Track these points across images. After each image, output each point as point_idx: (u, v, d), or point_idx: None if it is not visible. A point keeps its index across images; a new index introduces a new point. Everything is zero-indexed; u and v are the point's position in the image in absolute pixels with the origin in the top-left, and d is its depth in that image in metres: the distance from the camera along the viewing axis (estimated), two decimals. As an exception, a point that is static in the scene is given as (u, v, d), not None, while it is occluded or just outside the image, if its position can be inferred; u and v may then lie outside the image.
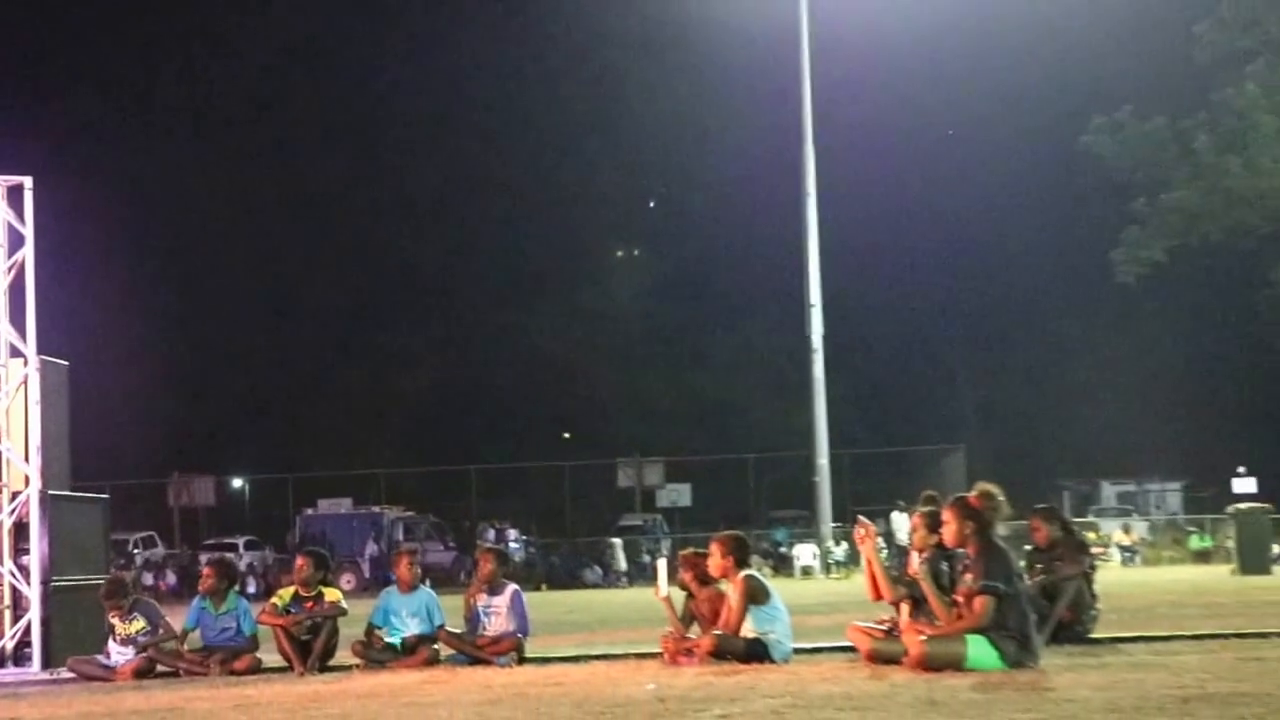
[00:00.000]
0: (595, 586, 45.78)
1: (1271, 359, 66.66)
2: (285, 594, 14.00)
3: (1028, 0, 63.17)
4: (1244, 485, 48.68)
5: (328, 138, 75.39)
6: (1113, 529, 54.17)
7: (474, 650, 13.20)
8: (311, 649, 13.43)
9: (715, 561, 12.21)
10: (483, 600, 13.53)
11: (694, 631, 12.37)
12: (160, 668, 13.74)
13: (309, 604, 13.69)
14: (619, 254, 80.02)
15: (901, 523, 35.00)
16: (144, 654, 13.81)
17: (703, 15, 55.56)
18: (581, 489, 61.19)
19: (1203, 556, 49.21)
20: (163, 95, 74.27)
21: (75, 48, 75.14)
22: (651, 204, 76.34)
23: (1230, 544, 39.60)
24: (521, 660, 13.19)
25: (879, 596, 11.96)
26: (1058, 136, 65.67)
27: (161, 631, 14.07)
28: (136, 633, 13.93)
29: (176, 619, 14.41)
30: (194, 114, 75.79)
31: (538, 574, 45.68)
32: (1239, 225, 63.65)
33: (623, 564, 47.97)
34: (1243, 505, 38.69)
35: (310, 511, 52.23)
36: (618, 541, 50.03)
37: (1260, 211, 62.89)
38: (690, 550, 13.54)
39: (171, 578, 45.26)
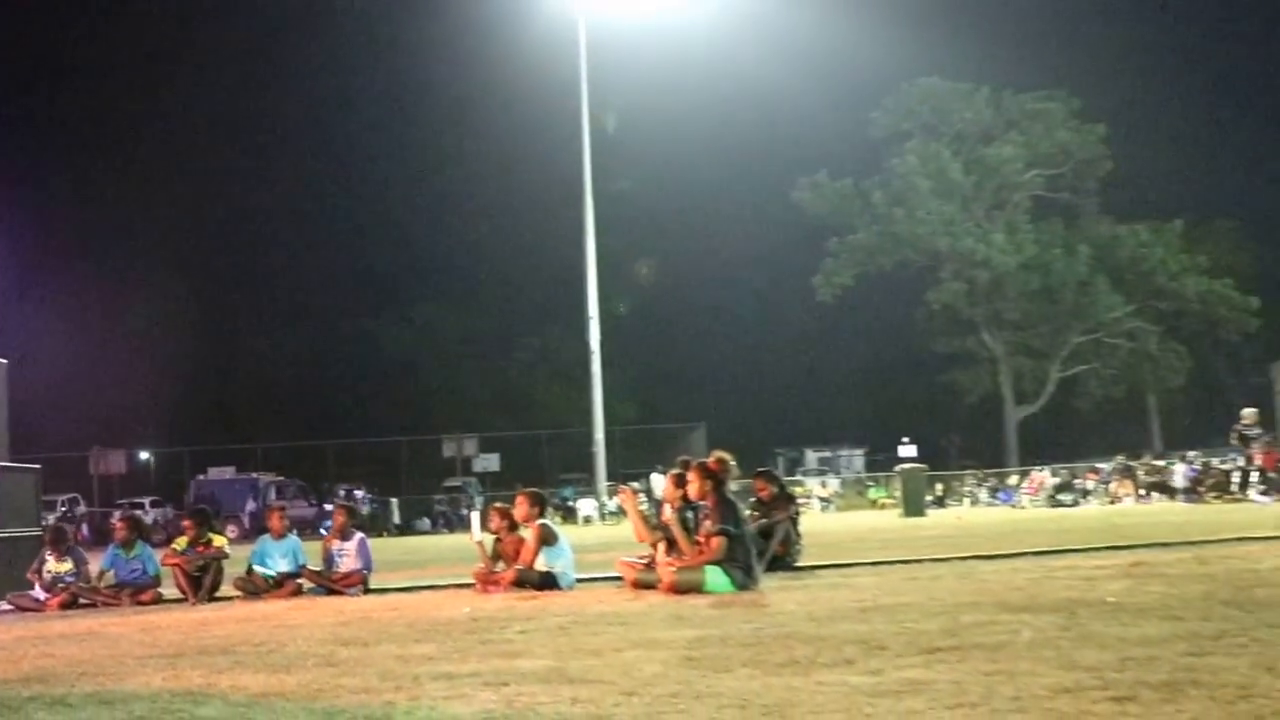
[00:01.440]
0: (425, 533, 45.72)
1: (926, 357, 68.37)
2: (181, 541, 13.79)
3: (751, 90, 64.19)
4: (907, 451, 49.77)
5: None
6: (814, 485, 55.01)
7: (330, 584, 13.04)
8: (202, 584, 13.22)
9: (520, 511, 12.26)
10: (337, 545, 13.41)
11: (500, 567, 12.33)
12: (82, 600, 13.38)
13: (200, 548, 13.50)
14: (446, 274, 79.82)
15: (659, 482, 35.25)
16: (69, 590, 13.46)
17: (492, 81, 55.88)
18: (415, 457, 61.35)
19: (878, 504, 50.27)
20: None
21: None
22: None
23: (898, 494, 40.56)
24: (367, 591, 13.04)
25: (642, 539, 12.02)
26: (775, 192, 66.81)
27: (84, 571, 13.79)
28: (65, 572, 13.59)
29: (94, 563, 14.11)
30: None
31: (380, 524, 45.50)
32: (903, 259, 65.39)
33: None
34: (906, 465, 39.62)
35: (202, 477, 51.66)
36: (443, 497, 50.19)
37: (918, 250, 64.66)
38: (498, 504, 13.73)
39: (85, 530, 43.98)
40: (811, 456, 67.86)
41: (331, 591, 12.97)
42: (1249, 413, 33.16)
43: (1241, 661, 5.24)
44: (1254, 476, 30.77)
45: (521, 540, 12.14)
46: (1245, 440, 32.04)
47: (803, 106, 65.21)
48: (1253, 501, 29.26)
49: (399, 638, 8.18)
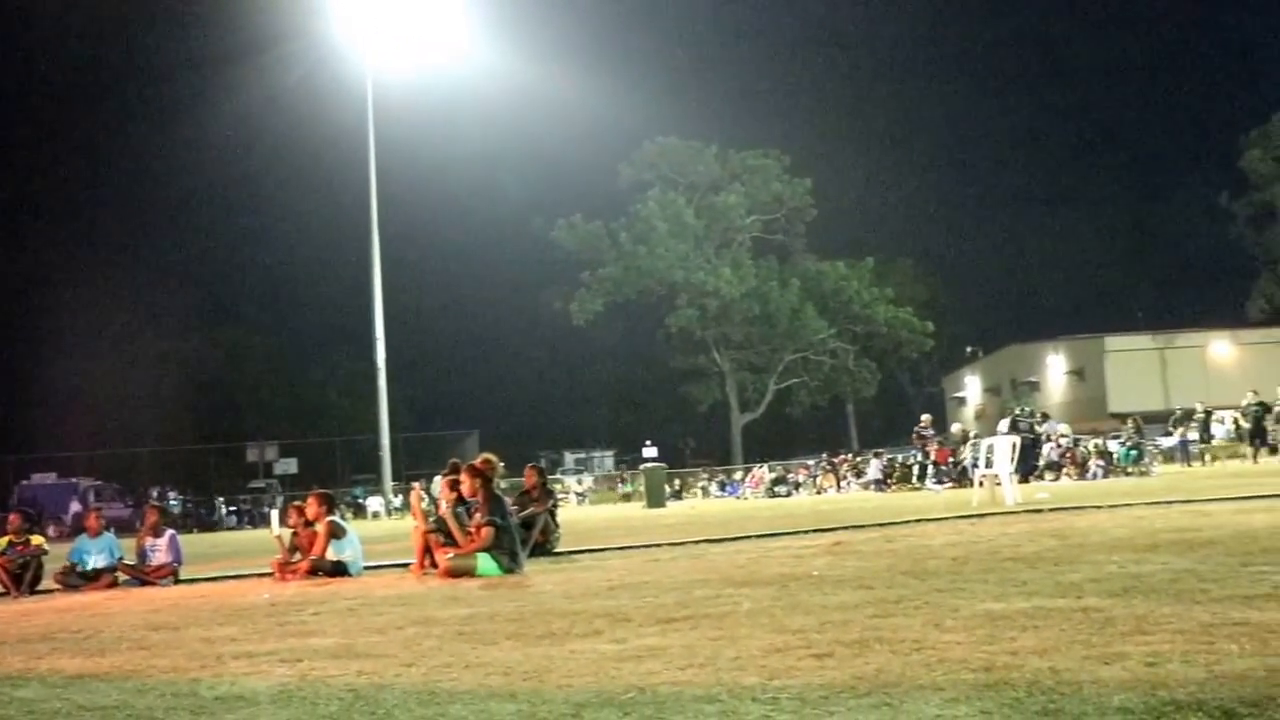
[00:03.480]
0: (230, 529, 44.12)
1: (666, 372, 69.21)
2: (2, 541, 13.04)
3: (520, 144, 64.28)
4: (650, 451, 50.11)
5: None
6: (571, 482, 55.10)
7: (143, 576, 12.50)
8: (23, 579, 12.51)
9: (312, 509, 12.00)
10: (149, 541, 12.88)
11: (297, 558, 12.02)
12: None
13: (20, 547, 12.79)
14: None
15: (439, 482, 34.82)
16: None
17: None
18: (222, 462, 59.37)
19: (626, 498, 50.60)
20: None
21: None
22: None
23: (642, 489, 40.84)
24: (177, 582, 12.54)
25: (421, 531, 11.88)
26: (538, 230, 66.88)
27: None
28: None
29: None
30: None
31: (190, 521, 43.83)
32: (646, 289, 66.04)
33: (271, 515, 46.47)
34: (648, 464, 39.90)
35: (26, 482, 48.83)
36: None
37: (657, 281, 65.40)
38: (295, 503, 13.39)
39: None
40: (569, 458, 68.09)
41: (145, 583, 12.44)
42: (925, 417, 34.63)
43: (916, 621, 5.45)
44: (930, 469, 32.03)
45: (315, 534, 11.90)
46: (923, 439, 33.42)
47: (563, 158, 65.70)
48: (929, 489, 30.37)
49: (205, 622, 7.89)
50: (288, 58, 49.53)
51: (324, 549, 11.61)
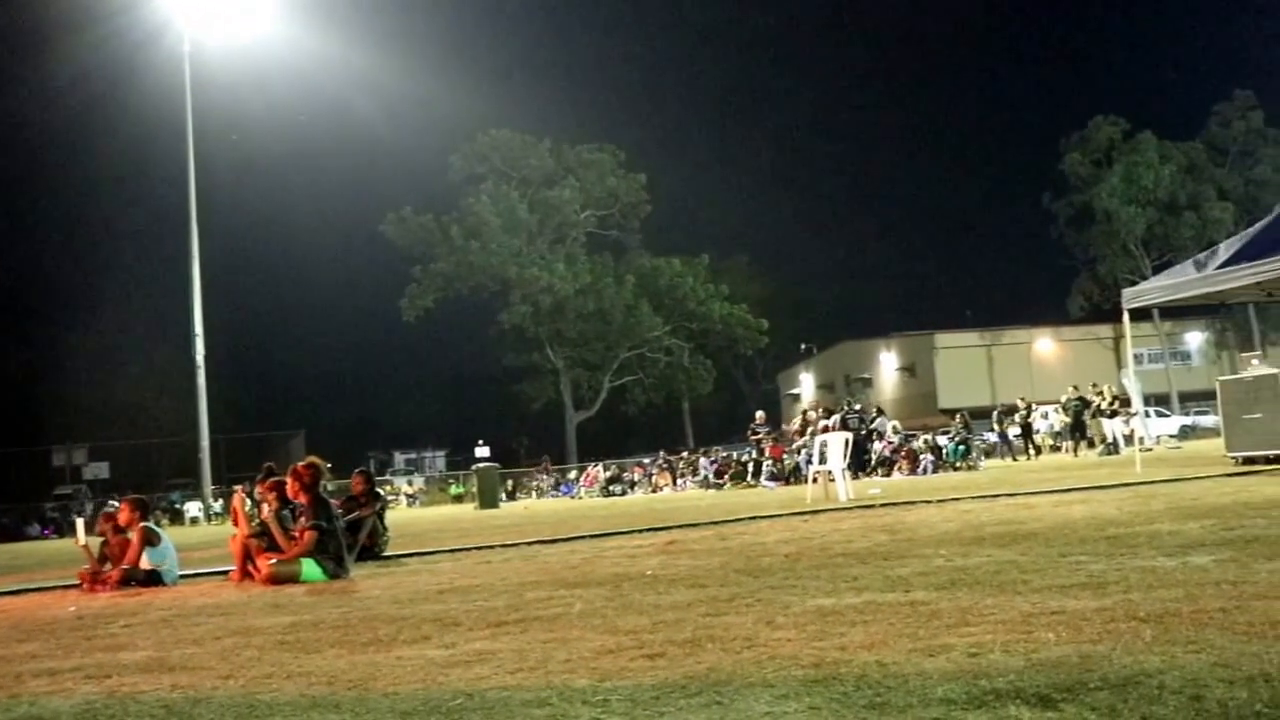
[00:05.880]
0: (35, 539, 42.38)
1: (499, 370, 69.01)
2: None
3: (348, 134, 63.19)
4: (482, 451, 50.11)
5: None
6: (401, 483, 54.56)
7: (-65, 590, 11.92)
8: None
9: (124, 515, 11.59)
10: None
11: (109, 567, 11.60)
12: None
13: None
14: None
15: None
16: None
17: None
18: (25, 467, 56.86)
19: (458, 499, 50.31)
20: None
21: None
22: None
23: (474, 490, 40.66)
24: (-27, 597, 11.97)
25: (243, 536, 11.59)
26: (369, 224, 66.09)
27: None
28: None
29: None
30: None
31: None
32: (478, 285, 65.75)
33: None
34: (481, 464, 39.77)
35: None
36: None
37: (490, 277, 65.17)
38: (106, 509, 12.92)
39: None
40: (399, 458, 67.46)
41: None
42: (760, 415, 35.19)
43: (748, 618, 5.53)
44: (765, 466, 32.57)
45: (127, 541, 11.49)
46: (758, 436, 33.97)
47: (393, 150, 64.98)
48: (763, 486, 30.89)
49: (2, 639, 7.54)
50: (99, 43, 47.84)
51: (137, 557, 11.23)
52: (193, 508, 45.41)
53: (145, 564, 11.21)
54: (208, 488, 45.84)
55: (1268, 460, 16.14)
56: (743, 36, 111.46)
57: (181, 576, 11.55)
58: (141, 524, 11.47)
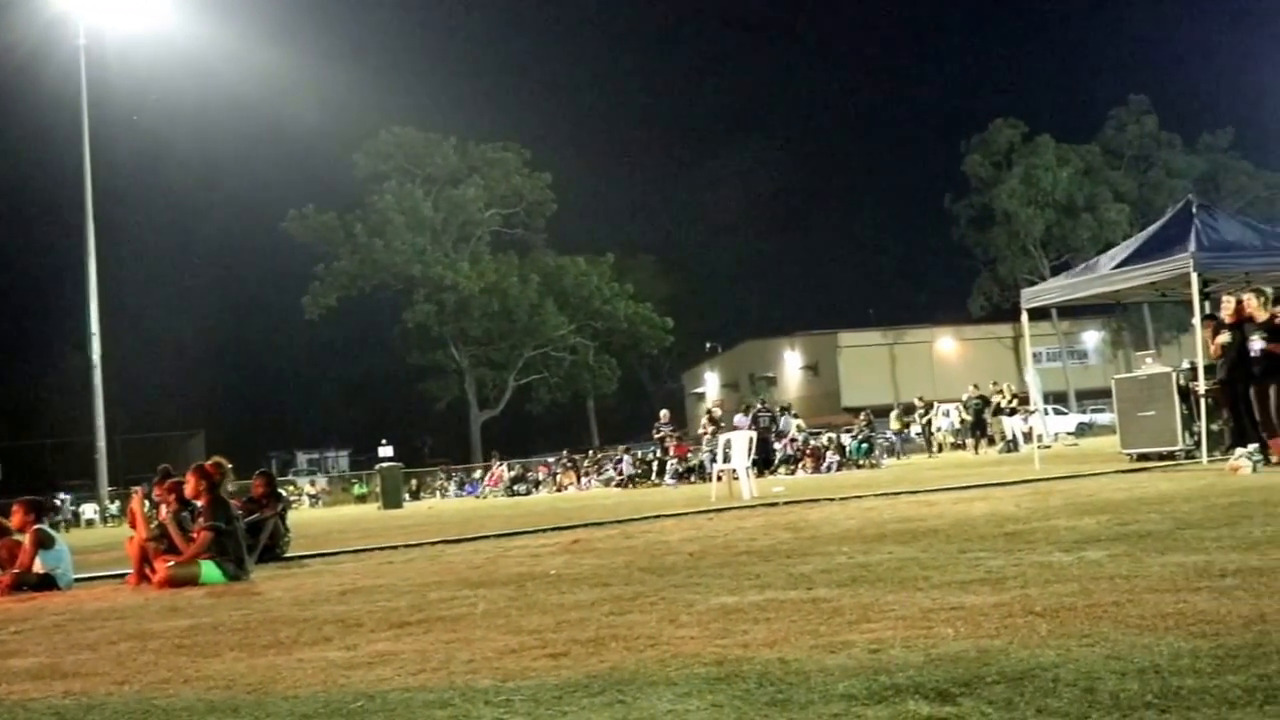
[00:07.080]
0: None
1: (402, 369, 68.42)
2: None
3: (248, 128, 62.32)
4: (386, 451, 49.76)
5: None
6: (304, 483, 53.92)
7: None
8: None
9: (16, 518, 11.32)
10: None
11: (-2, 571, 11.31)
12: None
13: None
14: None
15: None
16: None
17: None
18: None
19: (361, 499, 49.83)
20: None
21: None
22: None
23: (378, 489, 40.30)
24: None
25: (141, 538, 11.37)
26: (272, 221, 65.17)
27: None
28: None
29: None
30: None
31: None
32: (382, 283, 65.25)
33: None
34: (385, 464, 39.46)
35: None
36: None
37: (394, 275, 64.71)
38: (-7, 513, 12.54)
39: None
40: (302, 458, 66.72)
41: None
42: (664, 413, 35.34)
43: (652, 617, 5.55)
44: (669, 465, 32.71)
45: (19, 545, 11.20)
46: (662, 435, 34.11)
47: (296, 147, 64.14)
48: (667, 485, 31.02)
49: (-113, 646, 7.32)
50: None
51: (30, 561, 10.96)
52: (89, 509, 44.50)
53: (39, 567, 10.94)
54: (104, 489, 44.90)
55: (1160, 457, 16.56)
56: (649, 35, 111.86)
57: (76, 580, 11.31)
58: (35, 526, 11.20)
